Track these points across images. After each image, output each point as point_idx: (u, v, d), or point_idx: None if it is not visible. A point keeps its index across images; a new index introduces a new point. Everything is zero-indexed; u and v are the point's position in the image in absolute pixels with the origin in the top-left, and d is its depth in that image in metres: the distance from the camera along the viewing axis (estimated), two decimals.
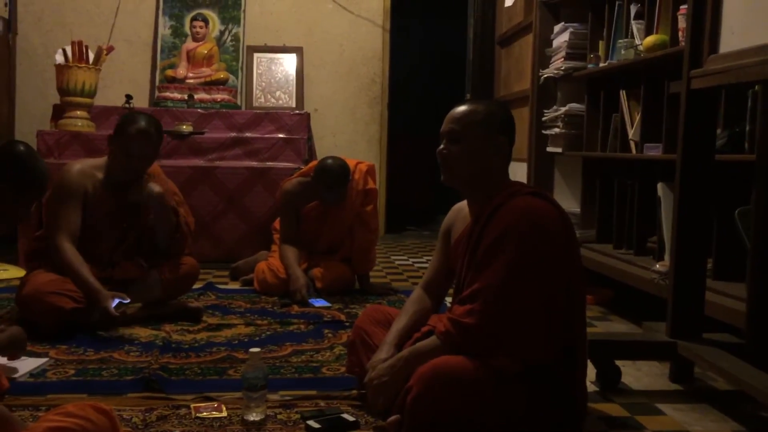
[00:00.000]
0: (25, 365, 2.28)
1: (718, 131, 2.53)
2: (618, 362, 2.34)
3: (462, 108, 1.96)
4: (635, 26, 3.24)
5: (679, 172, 2.30)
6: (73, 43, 4.59)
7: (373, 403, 1.88)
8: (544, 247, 1.79)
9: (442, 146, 1.96)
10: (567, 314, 1.84)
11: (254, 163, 4.52)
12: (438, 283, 2.14)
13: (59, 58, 4.59)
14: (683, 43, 2.63)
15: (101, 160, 2.95)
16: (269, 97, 5.62)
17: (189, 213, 3.20)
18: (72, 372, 2.31)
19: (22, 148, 1.95)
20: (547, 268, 1.79)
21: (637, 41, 3.19)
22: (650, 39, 3.01)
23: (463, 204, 2.08)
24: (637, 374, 2.43)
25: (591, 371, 2.32)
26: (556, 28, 3.98)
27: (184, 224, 3.07)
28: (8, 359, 2.20)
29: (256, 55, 5.67)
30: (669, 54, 2.87)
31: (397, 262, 4.80)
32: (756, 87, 2.35)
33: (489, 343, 1.77)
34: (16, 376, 2.19)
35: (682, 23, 2.78)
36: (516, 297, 1.76)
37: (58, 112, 4.68)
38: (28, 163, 1.93)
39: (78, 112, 4.57)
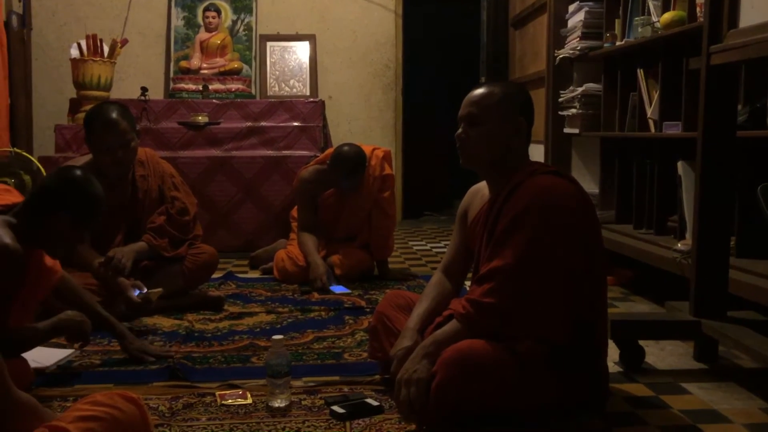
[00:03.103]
0: (52, 357, 2.31)
1: (739, 107, 2.50)
2: (641, 342, 2.33)
3: (479, 91, 1.95)
4: (652, 3, 3.19)
5: (701, 150, 2.27)
6: (87, 37, 4.61)
7: (403, 398, 1.78)
8: (563, 225, 1.78)
9: (460, 130, 1.95)
10: (588, 293, 1.83)
11: (270, 152, 4.53)
12: (457, 266, 2.13)
13: (74, 52, 4.61)
14: (701, 19, 2.60)
15: (89, 158, 2.93)
16: (283, 85, 5.62)
17: (189, 193, 3.19)
18: (98, 362, 2.33)
19: (78, 174, 1.97)
20: (566, 246, 1.78)
21: (654, 18, 3.14)
22: (667, 15, 2.97)
23: (480, 186, 2.07)
24: (660, 354, 2.42)
25: (614, 352, 2.33)
26: (571, 7, 3.94)
27: (176, 214, 3.04)
28: (68, 341, 2.21)
29: (269, 43, 5.67)
30: (687, 30, 2.83)
31: (415, 248, 4.80)
32: None
33: (509, 321, 1.76)
34: (43, 367, 2.22)
35: None
36: (535, 275, 1.75)
37: (75, 105, 4.71)
38: (86, 189, 1.96)
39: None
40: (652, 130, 3.20)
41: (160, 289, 2.78)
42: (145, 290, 2.75)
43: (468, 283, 2.10)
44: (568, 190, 1.84)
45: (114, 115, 2.84)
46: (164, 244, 2.98)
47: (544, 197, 1.79)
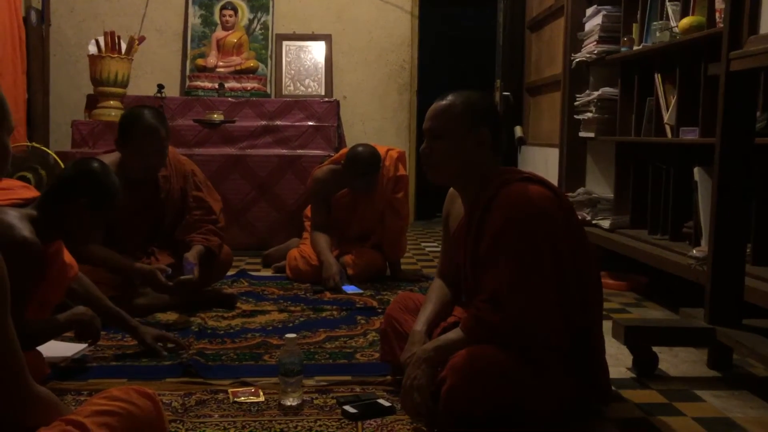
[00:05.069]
0: (66, 351, 2.33)
1: (758, 114, 2.48)
2: (655, 348, 2.32)
3: (441, 103, 1.91)
4: (670, 8, 3.18)
5: (719, 156, 2.26)
6: (105, 34, 4.65)
7: (408, 405, 1.80)
8: (545, 232, 1.77)
9: (424, 145, 1.93)
10: (582, 294, 1.82)
11: (284, 151, 4.54)
12: (452, 268, 2.12)
13: (92, 49, 4.65)
14: (720, 25, 2.58)
15: (114, 157, 2.90)
16: (298, 85, 5.64)
17: (212, 189, 3.19)
18: (111, 357, 2.35)
19: (96, 165, 2.01)
20: (551, 253, 1.77)
21: (673, 23, 3.13)
22: (686, 21, 2.95)
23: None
24: (674, 361, 2.40)
25: (628, 358, 2.32)
26: (589, 11, 3.92)
27: (202, 216, 3.06)
28: (78, 339, 2.22)
29: (285, 43, 5.68)
30: (706, 36, 2.82)
31: (427, 249, 4.80)
32: None
33: (514, 336, 1.76)
34: (57, 361, 2.23)
35: (719, 4, 2.72)
36: (532, 287, 1.75)
37: (92, 102, 4.75)
38: (102, 177, 1.99)
39: (111, 102, 4.63)
40: (669, 135, 3.19)
41: (191, 276, 2.77)
42: (170, 271, 2.75)
43: None
44: (544, 196, 1.81)
45: (155, 122, 2.83)
46: (216, 242, 3.03)
47: (520, 208, 1.77)
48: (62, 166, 4.26)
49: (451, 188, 2.10)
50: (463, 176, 1.91)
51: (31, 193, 2.05)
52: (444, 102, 1.91)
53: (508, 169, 1.95)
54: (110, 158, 2.94)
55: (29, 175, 4.20)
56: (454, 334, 1.83)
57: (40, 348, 2.06)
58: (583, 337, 1.84)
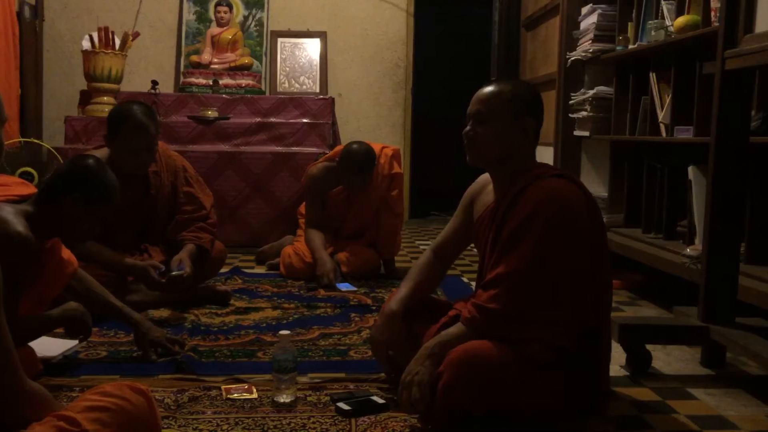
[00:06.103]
0: (58, 347, 2.32)
1: (752, 113, 2.49)
2: (648, 347, 2.32)
3: (489, 88, 1.93)
4: (665, 7, 3.18)
5: (713, 155, 2.26)
6: (99, 29, 4.63)
7: (405, 400, 1.77)
8: (569, 230, 1.77)
9: (468, 127, 1.95)
10: (593, 297, 1.82)
11: (279, 148, 4.53)
12: (450, 247, 2.14)
13: (86, 44, 4.63)
14: (715, 24, 2.59)
15: (103, 153, 2.85)
16: (293, 82, 5.62)
17: (203, 184, 3.17)
18: (104, 354, 2.34)
19: (91, 161, 2.00)
20: (572, 250, 1.77)
21: (668, 22, 3.13)
22: (681, 20, 2.96)
23: (489, 177, 2.06)
24: (667, 359, 2.41)
25: (621, 355, 2.32)
26: (584, 9, 3.93)
27: (192, 211, 3.03)
28: (69, 335, 2.21)
29: (280, 40, 5.67)
30: (701, 35, 2.82)
31: (421, 247, 4.79)
32: None
33: (514, 327, 1.75)
34: (49, 357, 2.22)
35: (714, 3, 2.73)
36: (541, 281, 1.74)
37: (86, 97, 4.73)
38: (99, 173, 1.99)
39: (105, 98, 4.61)
40: (664, 134, 3.19)
41: (182, 271, 2.76)
42: (163, 268, 2.75)
43: (473, 283, 2.09)
44: (574, 194, 1.82)
45: (145, 119, 2.81)
46: (207, 239, 3.00)
47: (549, 202, 1.78)
48: (59, 158, 4.23)
49: (482, 177, 2.11)
50: (502, 162, 1.92)
51: (29, 189, 2.04)
52: (492, 88, 1.93)
53: (543, 165, 1.96)
54: (99, 154, 2.91)
55: (33, 171, 4.17)
56: (456, 328, 1.82)
57: (32, 344, 2.05)
58: (590, 338, 1.83)
